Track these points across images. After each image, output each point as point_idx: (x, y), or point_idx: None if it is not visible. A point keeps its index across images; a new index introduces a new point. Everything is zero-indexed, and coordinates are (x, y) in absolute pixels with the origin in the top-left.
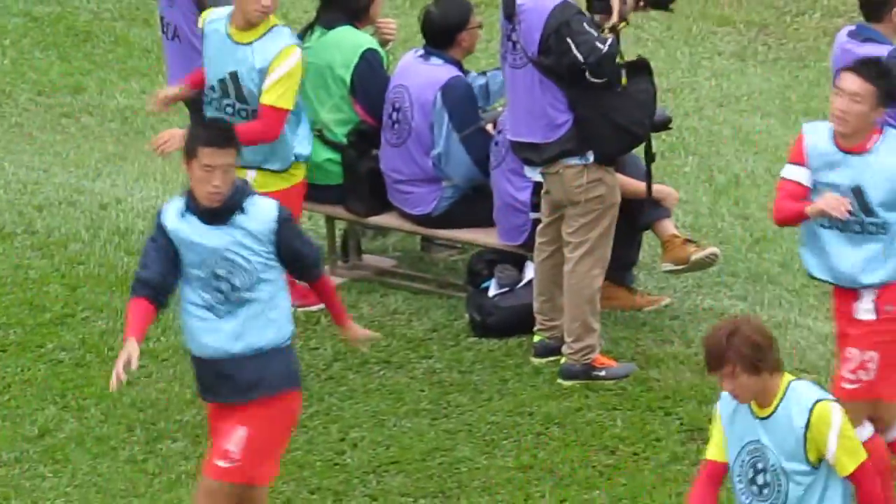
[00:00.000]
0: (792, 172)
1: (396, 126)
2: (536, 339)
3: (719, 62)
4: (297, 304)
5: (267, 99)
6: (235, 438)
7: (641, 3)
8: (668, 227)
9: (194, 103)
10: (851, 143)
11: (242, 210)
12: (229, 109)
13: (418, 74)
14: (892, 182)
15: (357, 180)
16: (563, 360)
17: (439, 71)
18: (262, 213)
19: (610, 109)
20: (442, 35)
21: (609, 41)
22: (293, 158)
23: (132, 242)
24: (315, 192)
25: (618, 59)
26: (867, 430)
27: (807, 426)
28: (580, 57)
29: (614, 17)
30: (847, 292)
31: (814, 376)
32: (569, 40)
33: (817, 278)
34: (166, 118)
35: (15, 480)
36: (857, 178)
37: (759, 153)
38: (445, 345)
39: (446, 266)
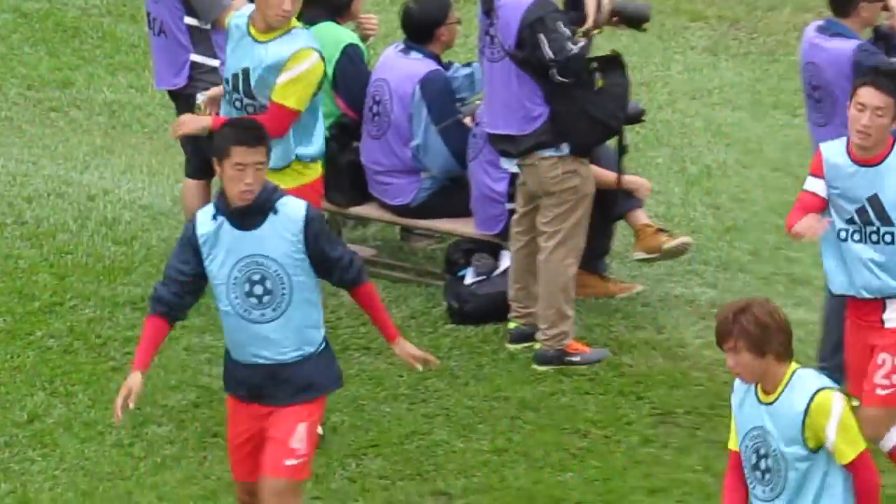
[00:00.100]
0: (810, 184)
1: (377, 118)
2: (512, 325)
3: (691, 56)
4: None
5: (276, 96)
6: (298, 435)
7: (615, 19)
8: (641, 216)
9: (182, 98)
10: (868, 154)
11: (275, 211)
12: (238, 104)
13: (398, 68)
14: None
15: (338, 172)
16: (537, 346)
17: (418, 65)
18: (292, 212)
19: (585, 102)
20: (421, 30)
21: (580, 44)
22: (292, 157)
23: (119, 233)
24: None
25: (589, 59)
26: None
27: (806, 412)
28: (549, 53)
29: (589, 23)
30: (869, 303)
31: None
32: (541, 36)
33: (839, 294)
34: (152, 112)
35: (4, 464)
36: (873, 188)
37: (730, 145)
38: (424, 331)
39: (425, 255)
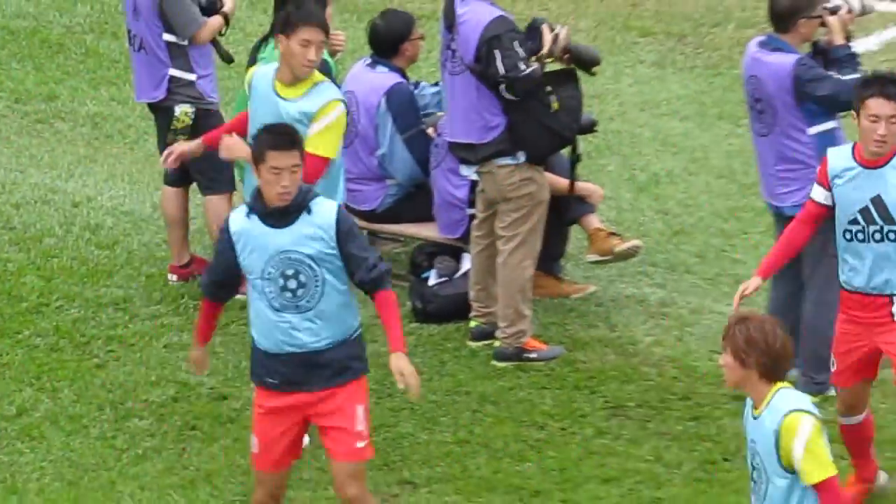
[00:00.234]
0: (815, 192)
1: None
2: (473, 324)
3: (641, 70)
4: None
5: (310, 147)
6: (359, 417)
7: (567, 56)
8: (594, 221)
9: (161, 110)
10: (874, 156)
11: (308, 211)
12: None
13: (365, 81)
14: None
15: None
16: (497, 344)
17: (384, 78)
18: (325, 211)
19: (540, 114)
20: (387, 45)
21: (533, 67)
22: None
23: (102, 237)
24: None
25: (545, 81)
26: None
27: (777, 432)
28: (501, 69)
29: (544, 51)
30: (877, 298)
31: None
32: (496, 52)
33: (850, 290)
34: (133, 123)
35: None
36: (876, 189)
37: (677, 153)
38: None
39: (390, 258)
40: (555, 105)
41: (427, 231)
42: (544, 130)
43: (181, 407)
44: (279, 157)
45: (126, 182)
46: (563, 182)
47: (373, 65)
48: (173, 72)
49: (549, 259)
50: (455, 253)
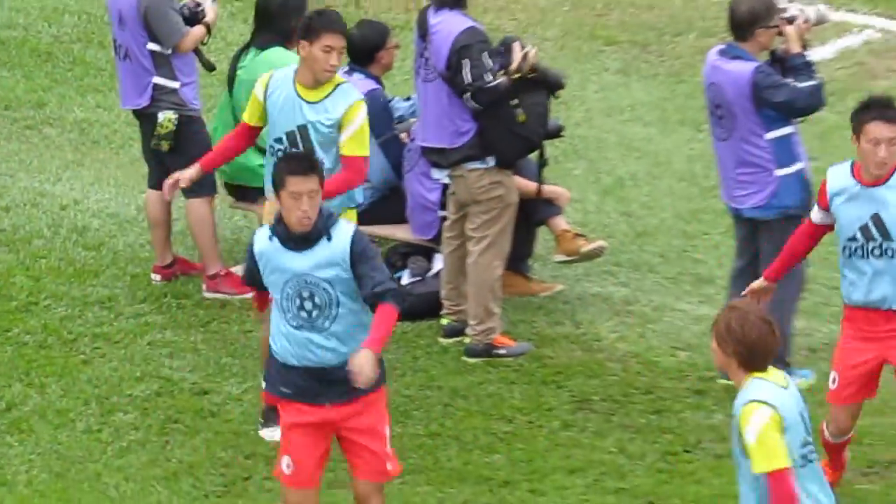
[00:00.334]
0: (814, 215)
1: None
2: (444, 321)
3: (606, 77)
4: (233, 291)
5: (348, 150)
6: (387, 439)
7: (533, 74)
8: (560, 222)
9: (145, 117)
10: (874, 177)
11: (329, 237)
12: None
13: None
14: None
15: None
16: (467, 341)
17: (360, 84)
18: (342, 236)
19: (508, 120)
20: (363, 54)
21: (499, 80)
22: (357, 200)
23: (89, 239)
24: (249, 194)
25: (511, 95)
26: None
27: (737, 419)
28: (468, 78)
29: (513, 66)
30: (880, 313)
31: (688, 353)
32: (465, 61)
33: (852, 305)
34: (119, 129)
35: None
36: (875, 207)
37: (640, 158)
38: None
39: None
40: (521, 118)
41: (401, 232)
42: (513, 136)
43: (164, 401)
44: (298, 183)
45: (112, 185)
46: (531, 185)
47: (349, 72)
48: (157, 80)
49: (518, 259)
50: (427, 253)
